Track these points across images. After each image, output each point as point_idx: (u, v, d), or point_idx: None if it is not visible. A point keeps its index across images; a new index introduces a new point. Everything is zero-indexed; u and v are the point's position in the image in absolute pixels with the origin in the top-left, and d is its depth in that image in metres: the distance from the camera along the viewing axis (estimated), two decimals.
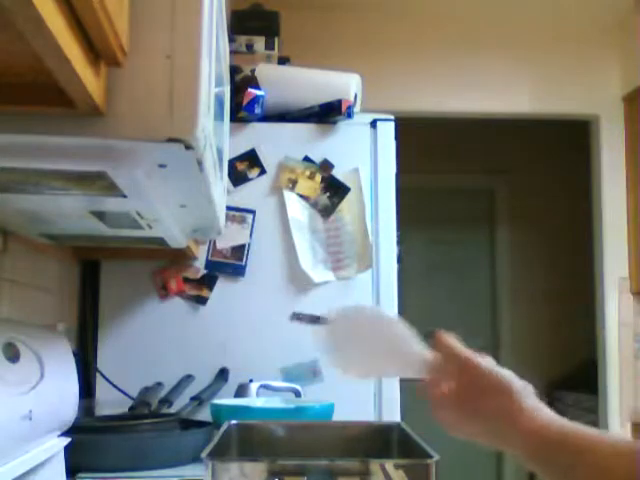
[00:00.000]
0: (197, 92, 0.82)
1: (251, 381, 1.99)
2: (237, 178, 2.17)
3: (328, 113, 2.20)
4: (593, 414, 3.55)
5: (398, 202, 2.23)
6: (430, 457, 1.04)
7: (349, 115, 2.19)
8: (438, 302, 4.59)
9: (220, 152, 1.27)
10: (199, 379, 2.03)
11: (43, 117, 0.80)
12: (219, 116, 1.21)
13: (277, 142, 2.20)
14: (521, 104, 3.50)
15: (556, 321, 4.54)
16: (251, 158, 2.19)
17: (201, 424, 1.71)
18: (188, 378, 2.02)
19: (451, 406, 0.86)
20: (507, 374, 0.85)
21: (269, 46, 2.55)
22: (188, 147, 0.84)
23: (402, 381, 0.77)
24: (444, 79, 3.45)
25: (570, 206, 4.51)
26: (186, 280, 2.15)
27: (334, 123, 2.21)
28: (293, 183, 2.19)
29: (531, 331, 4.55)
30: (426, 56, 3.46)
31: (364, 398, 2.11)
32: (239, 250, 2.16)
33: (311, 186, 2.19)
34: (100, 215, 1.23)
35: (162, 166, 0.92)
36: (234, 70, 2.22)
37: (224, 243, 2.15)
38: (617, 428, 3.36)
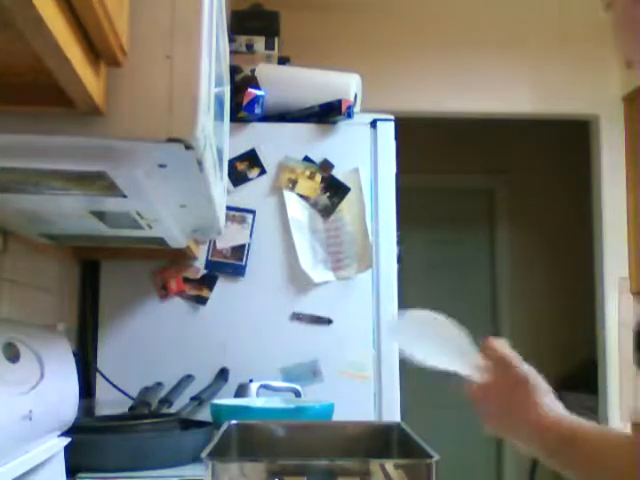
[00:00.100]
0: (197, 92, 0.82)
1: (251, 381, 1.99)
2: (237, 178, 2.17)
3: (328, 113, 2.20)
4: (593, 414, 3.55)
5: (398, 202, 2.23)
6: (430, 457, 1.04)
7: (349, 115, 2.19)
8: (438, 302, 4.53)
9: (220, 152, 1.27)
10: (199, 379, 2.03)
11: (43, 117, 0.80)
12: (219, 116, 1.21)
13: (277, 142, 2.20)
14: (521, 104, 3.50)
15: (556, 321, 4.54)
16: (251, 158, 2.19)
17: (201, 424, 1.71)
18: (188, 378, 2.03)
19: (490, 402, 0.94)
20: (530, 372, 0.92)
21: (269, 46, 2.55)
22: (188, 147, 0.84)
23: (452, 376, 0.87)
24: (444, 79, 3.45)
25: (570, 206, 4.51)
26: (186, 280, 2.15)
27: (334, 123, 2.21)
28: (293, 183, 2.19)
29: (531, 331, 4.55)
30: (426, 56, 3.46)
31: (364, 398, 2.11)
32: (239, 250, 2.16)
33: (311, 186, 2.19)
34: (100, 215, 1.23)
35: (162, 166, 0.92)
36: (234, 70, 2.22)
37: (224, 243, 2.15)
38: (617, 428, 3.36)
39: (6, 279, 1.49)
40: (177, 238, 1.51)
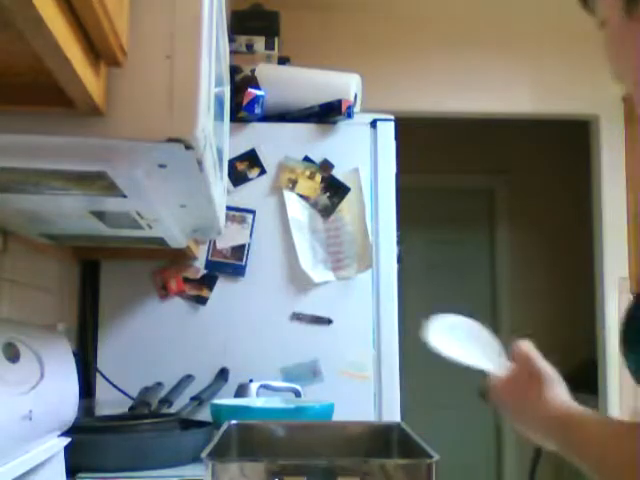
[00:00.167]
0: (197, 92, 0.82)
1: (251, 381, 1.99)
2: (237, 178, 2.17)
3: (328, 113, 2.20)
4: None
5: (398, 202, 2.23)
6: (430, 457, 1.04)
7: (349, 115, 2.19)
8: (438, 302, 4.56)
9: (220, 152, 1.27)
10: (199, 379, 2.03)
11: (43, 117, 0.80)
12: (219, 116, 1.21)
13: (277, 142, 2.20)
14: (521, 104, 3.50)
15: (556, 321, 4.54)
16: (251, 158, 2.19)
17: (201, 424, 1.71)
18: (188, 378, 2.03)
19: (507, 395, 1.01)
20: (544, 366, 1.00)
21: (269, 46, 2.55)
22: (188, 147, 0.84)
23: (481, 372, 1.01)
24: (444, 79, 3.45)
25: (570, 206, 4.51)
26: (186, 280, 2.15)
27: (334, 123, 2.21)
28: (293, 183, 2.19)
29: (531, 331, 4.55)
30: (426, 56, 3.46)
31: (364, 398, 2.11)
32: (239, 250, 2.16)
33: (311, 186, 2.19)
34: (100, 215, 1.23)
35: (162, 166, 0.92)
36: (234, 70, 2.22)
37: (224, 243, 2.15)
38: None
39: (6, 279, 1.49)
40: (177, 238, 1.51)
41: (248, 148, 2.19)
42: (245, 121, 2.18)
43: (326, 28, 3.40)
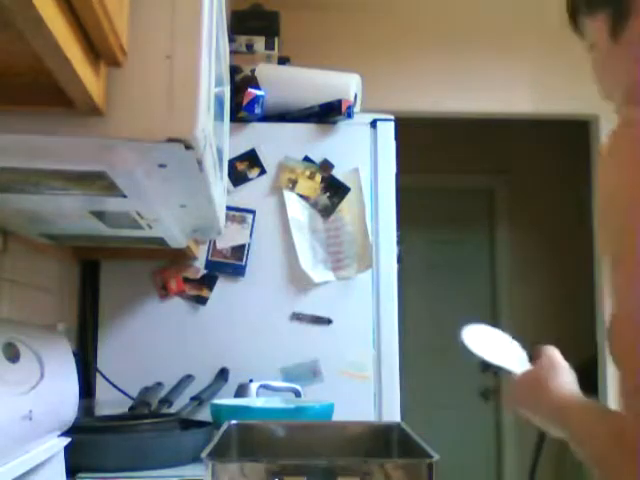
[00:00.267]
0: (197, 92, 0.82)
1: (251, 381, 1.99)
2: (237, 178, 2.17)
3: (328, 113, 2.20)
4: None
5: (398, 202, 2.23)
6: (430, 457, 1.04)
7: (349, 115, 2.19)
8: (438, 302, 4.59)
9: (220, 152, 1.27)
10: (199, 379, 2.03)
11: (43, 117, 0.80)
12: (219, 116, 1.21)
13: (277, 142, 2.20)
14: (521, 104, 3.50)
15: (556, 321, 4.53)
16: (251, 158, 2.19)
17: (201, 424, 1.71)
18: (188, 378, 2.03)
19: (522, 387, 1.09)
20: (555, 355, 1.08)
21: (269, 46, 2.55)
22: (188, 147, 0.84)
23: (505, 372, 1.15)
24: (444, 79, 3.45)
25: (570, 206, 4.51)
26: (186, 280, 2.15)
27: (334, 123, 2.22)
28: (293, 183, 2.19)
29: (531, 331, 4.55)
30: (426, 56, 3.46)
31: (364, 398, 2.11)
32: (239, 250, 2.16)
33: (311, 186, 2.19)
34: (100, 215, 1.23)
35: (162, 166, 0.92)
36: (234, 70, 2.22)
37: (224, 243, 2.15)
38: None
39: (6, 279, 1.49)
40: (177, 238, 1.51)
41: (248, 148, 2.19)
42: (245, 121, 2.18)
43: (326, 28, 3.40)
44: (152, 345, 2.11)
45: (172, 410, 1.83)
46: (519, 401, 1.11)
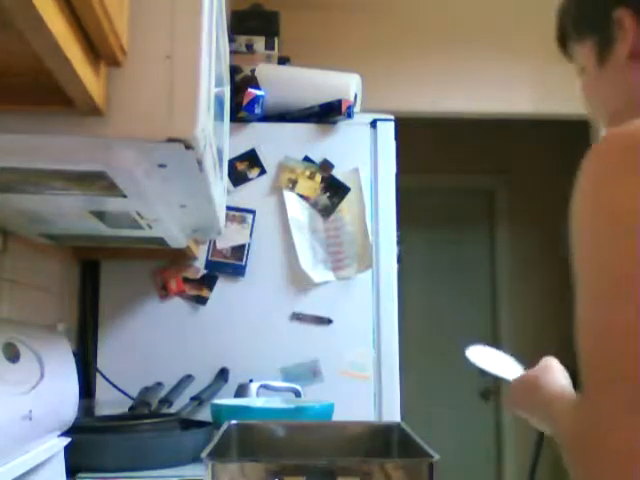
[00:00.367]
0: (197, 92, 0.82)
1: (251, 381, 1.99)
2: (237, 178, 2.17)
3: (328, 113, 2.20)
4: None
5: (398, 202, 2.23)
6: (430, 457, 1.04)
7: (349, 115, 2.19)
8: (438, 302, 4.59)
9: (220, 152, 1.27)
10: (199, 379, 2.03)
11: (43, 117, 0.80)
12: (219, 116, 1.21)
13: (277, 142, 2.20)
14: (521, 104, 3.50)
15: (556, 321, 4.53)
16: (251, 158, 2.19)
17: (201, 424, 1.71)
18: (188, 378, 2.03)
19: (519, 389, 1.14)
20: (549, 358, 1.14)
21: (269, 46, 2.55)
22: (188, 147, 0.84)
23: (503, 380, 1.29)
24: (444, 79, 3.45)
25: (570, 206, 4.50)
26: (186, 280, 2.15)
27: (334, 123, 2.22)
28: (293, 183, 2.19)
29: (531, 331, 4.55)
30: (426, 56, 3.46)
31: (364, 398, 2.12)
32: (239, 250, 2.16)
33: (311, 186, 2.19)
34: (100, 215, 1.23)
35: (162, 166, 0.92)
36: (234, 70, 2.22)
37: (224, 243, 2.15)
38: None
39: (6, 279, 1.49)
40: (177, 238, 1.51)
41: (248, 148, 2.19)
42: (245, 121, 2.19)
43: (326, 28, 3.40)
44: (152, 345, 2.11)
45: (172, 410, 1.83)
46: (516, 403, 1.14)
